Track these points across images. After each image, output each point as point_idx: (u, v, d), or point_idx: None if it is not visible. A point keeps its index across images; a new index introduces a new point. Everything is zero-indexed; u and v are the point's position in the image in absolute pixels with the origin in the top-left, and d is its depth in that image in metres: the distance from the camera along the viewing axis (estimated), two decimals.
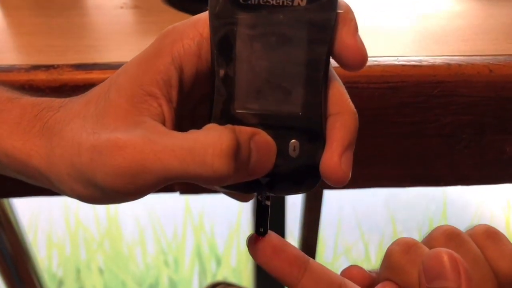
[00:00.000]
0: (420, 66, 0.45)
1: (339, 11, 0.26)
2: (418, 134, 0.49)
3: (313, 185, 0.28)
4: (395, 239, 0.29)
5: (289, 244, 0.29)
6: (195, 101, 0.30)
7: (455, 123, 0.48)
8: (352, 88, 0.45)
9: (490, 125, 0.49)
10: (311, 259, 0.28)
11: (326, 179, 0.27)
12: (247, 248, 0.29)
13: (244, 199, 0.31)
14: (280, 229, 1.12)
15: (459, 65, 0.45)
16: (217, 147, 0.24)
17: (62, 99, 0.29)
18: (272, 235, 0.28)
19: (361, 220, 1.56)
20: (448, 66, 0.45)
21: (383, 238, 1.51)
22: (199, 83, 0.28)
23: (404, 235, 1.50)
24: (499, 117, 0.48)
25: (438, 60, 0.45)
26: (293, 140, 0.27)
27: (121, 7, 0.56)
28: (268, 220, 0.29)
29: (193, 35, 0.27)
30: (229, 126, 0.26)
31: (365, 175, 0.52)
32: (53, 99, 0.30)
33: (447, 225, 0.30)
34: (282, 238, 0.29)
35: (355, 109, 0.28)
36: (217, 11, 0.26)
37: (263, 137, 0.27)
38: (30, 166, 0.27)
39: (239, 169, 0.26)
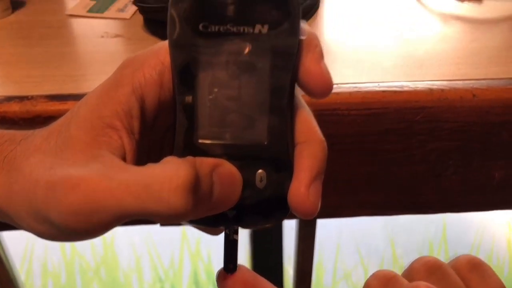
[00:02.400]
0: (402, 92, 0.44)
1: (302, 37, 0.25)
2: (403, 161, 0.47)
3: (282, 216, 0.27)
4: (394, 263, 0.28)
5: (261, 279, 0.27)
6: (162, 131, 0.29)
7: (440, 149, 0.47)
8: (332, 115, 0.44)
9: (477, 151, 0.48)
10: None
11: (294, 211, 0.26)
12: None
13: (213, 233, 0.30)
14: (278, 254, 1.11)
15: (442, 90, 0.44)
16: (173, 182, 0.23)
17: (25, 132, 0.29)
18: (242, 270, 0.27)
19: (360, 244, 1.53)
20: (430, 91, 0.44)
21: (383, 262, 1.48)
22: (164, 113, 0.28)
23: (404, 258, 1.48)
24: (485, 142, 0.47)
25: (420, 85, 0.44)
26: (259, 171, 0.26)
27: (102, 36, 0.56)
28: (237, 255, 0.27)
29: (154, 64, 0.26)
30: (189, 158, 0.25)
31: (350, 203, 0.50)
32: (16, 131, 0.29)
33: (428, 256, 0.28)
34: (254, 273, 0.27)
35: (323, 138, 0.27)
36: (176, 39, 0.25)
37: (227, 168, 0.26)
38: None
39: (200, 204, 0.24)
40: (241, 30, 0.25)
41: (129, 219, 0.24)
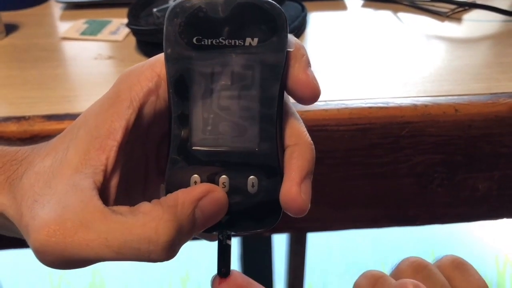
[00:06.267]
0: (387, 108, 0.45)
1: (289, 49, 0.27)
2: (390, 174, 0.49)
3: (274, 221, 0.28)
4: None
5: (255, 283, 0.28)
6: (157, 139, 0.30)
7: (426, 163, 0.49)
8: (322, 131, 0.45)
9: (461, 164, 0.49)
10: None
11: (287, 209, 0.27)
12: None
13: (207, 238, 0.31)
14: (268, 271, 1.11)
15: (425, 106, 0.46)
16: (153, 242, 0.24)
17: (27, 149, 0.29)
18: (235, 274, 0.28)
19: (350, 263, 1.54)
20: (414, 107, 0.46)
21: None
22: (159, 122, 0.29)
23: None
24: (469, 155, 0.49)
25: (405, 101, 0.46)
26: (251, 176, 0.28)
27: (96, 58, 0.57)
28: (230, 260, 0.28)
29: (151, 76, 0.27)
30: (170, 201, 0.25)
31: (339, 217, 0.52)
32: (18, 149, 0.30)
33: (414, 256, 0.30)
34: (247, 277, 0.28)
35: (311, 141, 0.28)
36: (171, 52, 0.27)
37: (211, 198, 0.27)
38: (5, 218, 0.27)
39: (183, 239, 0.25)
40: (233, 42, 0.26)
41: (110, 261, 0.25)
